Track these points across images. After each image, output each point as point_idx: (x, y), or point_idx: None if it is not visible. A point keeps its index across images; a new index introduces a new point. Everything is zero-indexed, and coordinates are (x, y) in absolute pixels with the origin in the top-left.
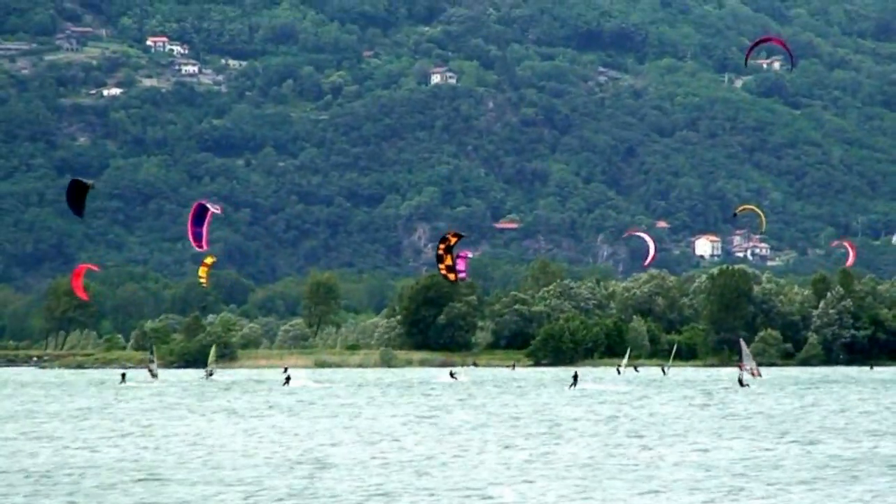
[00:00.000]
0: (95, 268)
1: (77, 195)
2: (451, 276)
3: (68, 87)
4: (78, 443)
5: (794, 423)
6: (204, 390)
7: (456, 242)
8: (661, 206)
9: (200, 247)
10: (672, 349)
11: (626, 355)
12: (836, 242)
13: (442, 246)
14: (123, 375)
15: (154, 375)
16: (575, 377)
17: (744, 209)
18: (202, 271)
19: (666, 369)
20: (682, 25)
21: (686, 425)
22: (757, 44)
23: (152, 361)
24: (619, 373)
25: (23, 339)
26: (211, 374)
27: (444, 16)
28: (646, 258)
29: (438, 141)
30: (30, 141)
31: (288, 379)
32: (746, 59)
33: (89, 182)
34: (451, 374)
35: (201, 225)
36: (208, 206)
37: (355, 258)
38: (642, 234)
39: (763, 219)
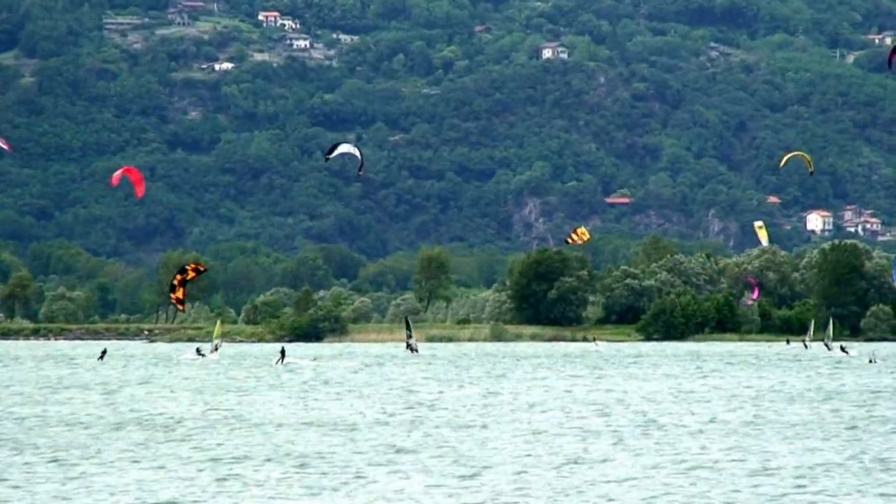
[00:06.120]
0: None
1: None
2: (181, 307)
3: (180, 61)
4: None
5: None
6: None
7: (193, 278)
8: (772, 181)
9: None
10: (830, 323)
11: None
12: None
13: (179, 277)
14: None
15: (414, 350)
16: (282, 352)
17: (790, 157)
18: None
19: (828, 344)
20: (793, 0)
21: None
22: None
23: (410, 337)
24: (806, 346)
25: (134, 314)
26: (216, 349)
27: None
28: None
29: (549, 116)
30: (141, 115)
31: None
32: (889, 61)
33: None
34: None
35: None
36: None
37: (466, 233)
38: None
39: (809, 161)
